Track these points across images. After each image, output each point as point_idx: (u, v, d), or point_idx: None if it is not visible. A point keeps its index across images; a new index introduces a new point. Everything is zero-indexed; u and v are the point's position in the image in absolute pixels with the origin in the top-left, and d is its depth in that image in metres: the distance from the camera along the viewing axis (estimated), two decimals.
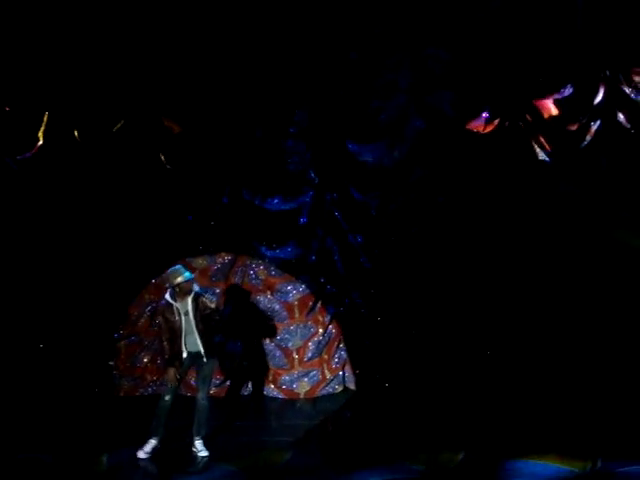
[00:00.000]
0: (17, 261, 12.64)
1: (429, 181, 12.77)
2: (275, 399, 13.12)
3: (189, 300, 9.99)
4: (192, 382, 12.57)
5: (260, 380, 13.27)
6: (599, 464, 9.20)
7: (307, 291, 13.26)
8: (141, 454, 9.90)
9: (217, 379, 13.07)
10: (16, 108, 11.49)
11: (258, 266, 13.31)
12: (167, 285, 10.16)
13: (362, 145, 12.87)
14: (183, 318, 9.95)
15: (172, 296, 9.99)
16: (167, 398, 10.01)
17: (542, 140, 11.92)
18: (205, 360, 10.07)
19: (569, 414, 11.06)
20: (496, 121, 12.25)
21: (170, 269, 10.17)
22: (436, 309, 12.79)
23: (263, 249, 13.25)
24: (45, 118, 11.72)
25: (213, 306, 10.14)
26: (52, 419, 11.62)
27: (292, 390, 13.12)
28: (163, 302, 10.14)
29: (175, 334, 9.97)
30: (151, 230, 13.00)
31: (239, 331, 13.25)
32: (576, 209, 12.09)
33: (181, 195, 12.98)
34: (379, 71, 12.53)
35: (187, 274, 10.00)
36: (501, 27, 11.92)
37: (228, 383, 13.27)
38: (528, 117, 12.16)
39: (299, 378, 13.18)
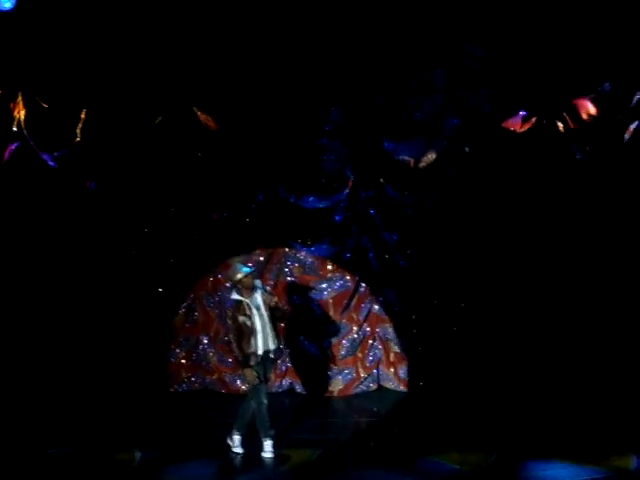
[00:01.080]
0: (65, 255, 12.81)
1: (465, 179, 12.71)
2: (309, 396, 13.12)
3: (257, 295, 9.92)
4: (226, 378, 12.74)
5: (295, 377, 13.30)
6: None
7: (342, 289, 13.22)
8: (266, 454, 9.95)
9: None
10: (53, 104, 11.56)
11: (293, 264, 13.31)
12: (230, 285, 10.12)
13: (398, 143, 12.83)
14: (256, 314, 9.85)
15: (239, 293, 9.88)
16: (265, 401, 9.95)
17: (580, 139, 11.83)
18: (273, 357, 10.06)
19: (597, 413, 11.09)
20: (533, 119, 12.18)
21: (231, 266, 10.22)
22: (471, 308, 12.75)
23: (298, 247, 13.25)
24: (83, 115, 11.79)
25: (276, 299, 10.15)
26: (88, 415, 11.72)
27: (326, 388, 13.13)
28: (230, 302, 10.05)
29: (248, 332, 9.82)
30: (187, 228, 13.04)
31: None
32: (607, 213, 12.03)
33: (217, 192, 13.02)
34: (416, 69, 12.50)
35: (245, 269, 9.94)
36: (539, 24, 11.86)
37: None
38: (566, 116, 12.09)
39: (333, 376, 13.17)
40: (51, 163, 11.75)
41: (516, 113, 12.15)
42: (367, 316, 13.28)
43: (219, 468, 9.64)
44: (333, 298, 13.17)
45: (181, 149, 12.70)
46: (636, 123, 11.68)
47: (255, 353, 9.83)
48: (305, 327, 13.19)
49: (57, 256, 12.74)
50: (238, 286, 9.88)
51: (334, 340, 13.16)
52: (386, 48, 12.30)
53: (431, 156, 12.58)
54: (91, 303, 12.90)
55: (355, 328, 13.21)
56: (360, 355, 13.24)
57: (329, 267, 13.28)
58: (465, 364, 12.62)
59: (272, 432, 9.98)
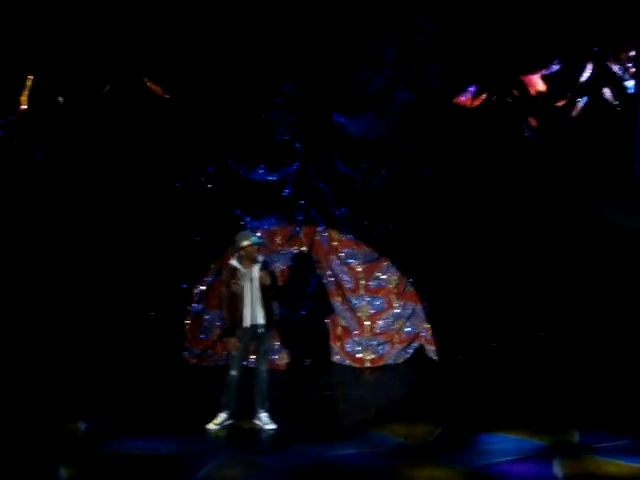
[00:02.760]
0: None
1: (415, 155, 12.74)
2: (340, 366, 13.16)
3: (256, 268, 9.72)
4: None
5: (327, 345, 13.31)
6: (577, 438, 9.30)
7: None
8: (211, 427, 9.73)
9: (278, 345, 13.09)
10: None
11: (328, 230, 13.31)
12: (233, 250, 9.95)
13: (348, 117, 12.84)
14: (248, 285, 9.70)
15: (239, 261, 9.72)
16: (234, 373, 9.77)
17: (528, 116, 11.92)
18: (263, 332, 9.83)
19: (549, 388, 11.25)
20: (483, 95, 12.24)
21: (240, 232, 10.06)
22: (423, 281, 12.83)
23: (247, 219, 13.20)
24: (29, 82, 11.63)
25: (270, 280, 9.79)
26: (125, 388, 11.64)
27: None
28: (226, 269, 10.00)
29: (237, 301, 9.70)
30: (138, 196, 12.94)
31: (310, 293, 13.32)
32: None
33: (167, 164, 12.92)
34: (366, 43, 12.49)
35: (254, 238, 9.79)
36: (490, 1, 11.91)
37: (292, 351, 13.26)
38: (515, 92, 12.16)
39: (366, 346, 13.20)
40: None
41: (466, 89, 12.18)
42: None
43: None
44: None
45: (130, 119, 12.60)
46: (584, 100, 11.79)
47: (240, 324, 9.73)
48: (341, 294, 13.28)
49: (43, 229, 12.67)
50: (240, 253, 9.68)
51: (370, 311, 13.21)
52: (338, 21, 12.29)
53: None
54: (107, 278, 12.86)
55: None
56: (396, 327, 13.22)
57: (278, 240, 13.26)
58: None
59: (230, 409, 9.86)
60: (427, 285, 13.00)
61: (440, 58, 12.40)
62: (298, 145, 13.01)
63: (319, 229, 13.20)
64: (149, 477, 8.39)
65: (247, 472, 8.51)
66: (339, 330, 13.25)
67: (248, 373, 10.00)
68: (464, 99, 12.32)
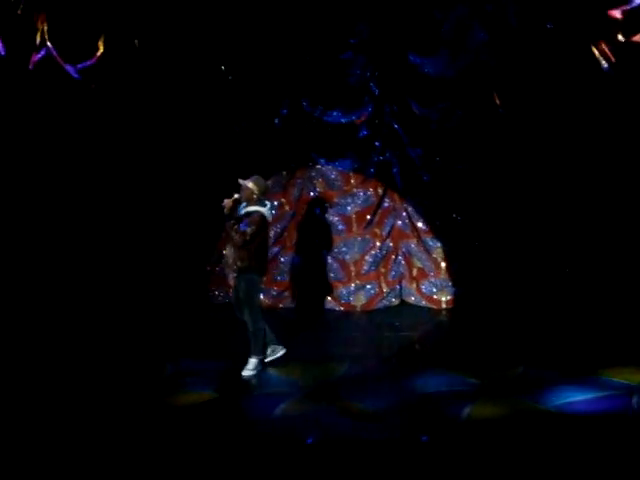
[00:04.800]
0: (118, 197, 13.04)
1: (491, 95, 12.57)
2: (332, 311, 13.25)
3: (244, 212, 9.68)
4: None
5: (318, 292, 13.39)
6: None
7: (365, 204, 13.22)
8: (246, 372, 9.74)
9: (275, 290, 13.25)
10: (76, 18, 11.45)
11: (317, 178, 13.30)
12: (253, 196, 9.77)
13: (423, 57, 12.69)
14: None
15: (262, 206, 9.70)
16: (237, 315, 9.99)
17: (606, 50, 11.61)
18: (236, 275, 9.72)
19: None
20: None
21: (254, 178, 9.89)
22: (493, 223, 12.74)
23: (322, 161, 13.22)
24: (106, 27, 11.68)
25: (236, 232, 9.50)
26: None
27: (349, 303, 13.22)
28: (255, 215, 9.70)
29: (228, 240, 9.76)
30: (212, 144, 13.02)
31: (297, 243, 13.32)
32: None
33: (242, 106, 12.96)
34: None
35: (247, 179, 9.70)
36: None
37: (286, 294, 13.41)
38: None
39: (356, 291, 13.25)
40: (75, 75, 11.65)
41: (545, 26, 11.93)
42: (390, 231, 13.30)
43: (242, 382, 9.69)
44: (356, 213, 13.19)
45: (205, 63, 12.63)
46: None
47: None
48: (328, 242, 13.22)
49: (91, 172, 12.82)
50: (262, 198, 9.73)
51: (357, 255, 13.21)
52: None
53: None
54: (138, 225, 13.12)
55: (378, 243, 13.25)
56: (383, 270, 13.30)
57: (352, 182, 13.26)
58: (491, 279, 12.67)
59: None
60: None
61: None
62: (373, 86, 12.92)
63: (394, 170, 13.15)
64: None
65: None
66: (415, 271, 13.26)
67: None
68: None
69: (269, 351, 10.05)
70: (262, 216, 9.59)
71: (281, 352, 10.12)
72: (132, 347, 10.94)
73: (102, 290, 12.71)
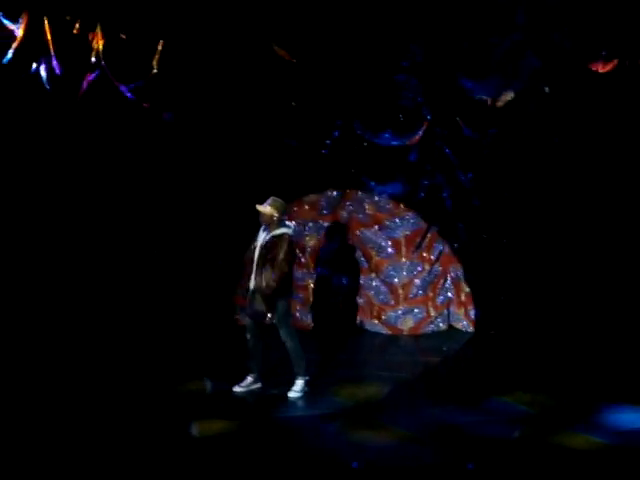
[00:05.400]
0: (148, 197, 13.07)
1: (544, 121, 12.49)
2: (379, 334, 13.18)
3: (266, 234, 9.60)
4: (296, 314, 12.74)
5: (364, 315, 13.33)
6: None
7: (414, 227, 13.18)
8: (237, 388, 9.81)
9: (319, 312, 13.30)
10: (131, 35, 11.57)
11: (366, 201, 13.28)
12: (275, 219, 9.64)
13: (476, 81, 12.65)
14: (257, 249, 9.64)
15: (285, 226, 9.70)
16: (248, 337, 9.81)
17: None
18: (261, 298, 9.53)
19: None
20: (615, 61, 11.88)
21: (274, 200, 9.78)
22: (544, 250, 12.61)
23: (372, 184, 13.22)
24: (160, 46, 11.79)
25: (273, 256, 9.47)
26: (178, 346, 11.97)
27: (396, 326, 13.16)
28: (290, 236, 9.67)
29: (249, 263, 9.74)
30: (264, 162, 13.06)
31: (345, 266, 13.30)
32: None
33: (294, 128, 13.00)
34: (496, 7, 12.25)
35: (260, 206, 9.58)
36: None
37: (331, 317, 13.38)
38: None
39: (403, 315, 13.19)
40: (128, 94, 11.77)
41: (599, 54, 11.86)
42: (439, 256, 13.26)
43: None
44: (405, 237, 13.15)
45: (258, 83, 12.69)
46: None
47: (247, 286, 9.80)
48: (376, 265, 13.19)
49: (134, 186, 12.91)
50: (283, 218, 9.69)
51: (405, 279, 13.16)
52: None
53: (509, 95, 12.39)
54: (167, 236, 13.15)
55: (427, 267, 13.20)
56: (431, 294, 13.23)
57: (402, 205, 13.22)
58: (535, 306, 12.54)
59: (256, 372, 9.91)
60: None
61: (571, 21, 12.07)
62: (425, 109, 12.90)
63: (444, 194, 13.10)
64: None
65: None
66: (463, 296, 13.18)
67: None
68: (595, 64, 11.95)
69: (249, 380, 9.94)
70: (290, 237, 9.61)
71: (255, 386, 9.94)
72: (167, 367, 10.95)
73: (129, 308, 12.75)
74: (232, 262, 13.01)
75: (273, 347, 9.90)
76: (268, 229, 9.60)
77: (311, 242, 13.19)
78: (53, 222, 12.56)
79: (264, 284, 9.47)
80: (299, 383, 9.76)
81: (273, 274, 9.43)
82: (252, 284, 9.64)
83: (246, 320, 9.94)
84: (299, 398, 9.64)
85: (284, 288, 9.59)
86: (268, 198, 9.64)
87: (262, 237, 9.65)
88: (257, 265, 9.59)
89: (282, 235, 9.53)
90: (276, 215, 9.56)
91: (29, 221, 12.40)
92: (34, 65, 11.23)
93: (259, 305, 9.55)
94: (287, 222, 9.87)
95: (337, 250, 13.31)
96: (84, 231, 12.79)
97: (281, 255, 9.42)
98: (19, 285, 12.28)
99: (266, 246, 9.55)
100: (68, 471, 7.40)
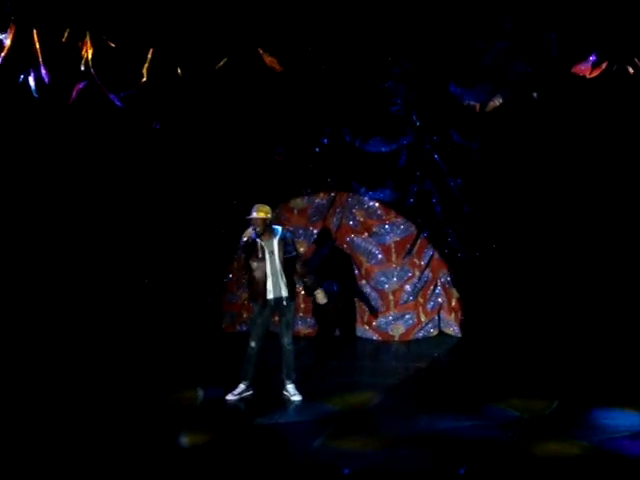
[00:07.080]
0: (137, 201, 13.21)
1: (532, 126, 12.53)
2: (370, 340, 13.19)
3: (275, 240, 9.66)
4: None
5: (355, 321, 13.35)
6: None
7: (404, 234, 13.19)
8: (230, 397, 9.84)
9: (311, 319, 13.23)
10: (121, 44, 11.57)
11: (356, 208, 13.29)
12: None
13: (465, 88, 12.68)
14: (268, 258, 9.66)
15: (256, 234, 9.59)
16: (253, 345, 9.80)
17: None
18: (286, 304, 9.77)
19: None
20: (604, 65, 11.92)
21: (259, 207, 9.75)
22: (534, 254, 12.65)
23: (362, 190, 13.23)
24: (149, 54, 11.79)
25: (293, 253, 9.77)
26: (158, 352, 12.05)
27: (387, 332, 13.16)
28: (244, 240, 9.62)
29: (259, 273, 9.68)
30: (251, 169, 13.10)
31: (335, 272, 13.30)
32: None
33: (282, 135, 13.03)
34: (483, 13, 12.29)
35: (252, 211, 9.60)
36: None
37: (322, 324, 13.37)
38: (637, 61, 11.81)
39: (394, 321, 13.19)
40: (118, 103, 11.77)
41: (586, 58, 11.89)
42: (429, 262, 13.26)
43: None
44: (395, 243, 13.16)
45: (246, 91, 12.70)
46: None
47: (263, 296, 9.71)
48: (366, 271, 13.20)
49: (123, 192, 13.02)
50: (255, 226, 9.56)
51: (396, 285, 13.16)
52: None
53: (497, 101, 12.43)
54: (157, 243, 13.19)
55: (417, 273, 13.21)
56: (421, 300, 13.24)
57: (392, 212, 13.23)
58: (526, 310, 12.56)
59: (249, 379, 9.93)
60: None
61: (558, 26, 12.10)
62: (414, 115, 12.93)
63: (433, 200, 13.12)
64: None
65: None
66: (454, 302, 13.21)
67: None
68: (583, 68, 11.99)
69: (241, 387, 9.95)
70: (293, 237, 10.03)
71: (247, 394, 9.98)
72: (164, 375, 11.00)
73: (118, 315, 12.88)
74: (219, 269, 13.08)
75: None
76: (262, 237, 9.62)
77: (301, 249, 13.18)
78: (43, 230, 12.60)
79: (299, 271, 9.88)
80: (293, 386, 9.89)
81: (298, 265, 9.85)
82: (271, 294, 9.72)
83: (256, 329, 9.87)
84: (292, 403, 9.72)
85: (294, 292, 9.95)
86: (252, 208, 9.64)
87: (266, 246, 9.66)
88: (273, 274, 9.68)
89: (289, 235, 9.90)
90: (268, 217, 9.63)
91: (19, 228, 12.48)
92: (22, 75, 11.23)
93: (290, 311, 9.89)
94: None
95: (327, 257, 13.31)
96: (72, 240, 12.83)
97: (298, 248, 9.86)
98: (7, 292, 12.33)
99: (278, 251, 9.67)
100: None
